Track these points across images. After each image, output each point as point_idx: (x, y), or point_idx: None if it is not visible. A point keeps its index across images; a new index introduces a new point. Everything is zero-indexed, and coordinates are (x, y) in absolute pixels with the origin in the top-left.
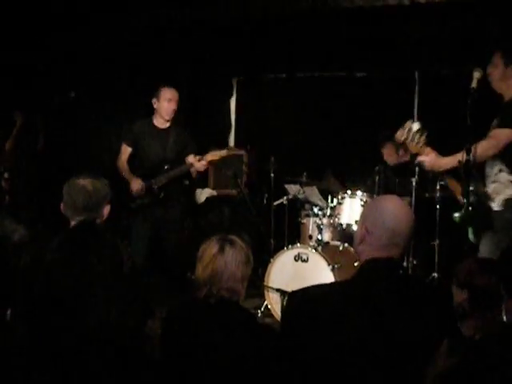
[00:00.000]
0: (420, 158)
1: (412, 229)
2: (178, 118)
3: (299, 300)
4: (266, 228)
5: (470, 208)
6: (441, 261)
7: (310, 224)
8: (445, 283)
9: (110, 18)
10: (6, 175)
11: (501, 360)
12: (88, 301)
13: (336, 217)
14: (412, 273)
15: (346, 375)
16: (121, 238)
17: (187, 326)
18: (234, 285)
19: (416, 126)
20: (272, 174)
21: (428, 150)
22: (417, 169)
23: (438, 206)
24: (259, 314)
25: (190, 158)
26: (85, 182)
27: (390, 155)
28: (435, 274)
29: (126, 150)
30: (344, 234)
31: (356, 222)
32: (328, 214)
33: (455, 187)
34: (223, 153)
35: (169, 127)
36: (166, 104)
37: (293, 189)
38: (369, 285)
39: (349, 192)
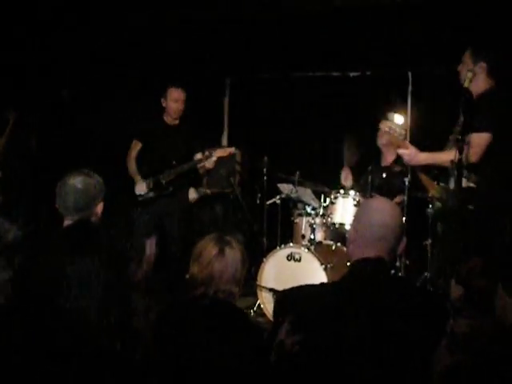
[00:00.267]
0: (400, 151)
1: (400, 226)
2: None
3: (289, 299)
4: (259, 227)
5: (441, 204)
6: (433, 260)
7: (303, 223)
8: (436, 283)
9: (104, 17)
10: None
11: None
12: (80, 300)
13: (329, 216)
14: (402, 273)
15: (336, 374)
16: (124, 233)
17: (180, 327)
18: (231, 286)
19: (400, 119)
20: (265, 174)
21: (408, 144)
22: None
23: (430, 206)
24: (252, 314)
25: (199, 155)
26: (75, 180)
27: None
28: (427, 274)
29: (136, 146)
30: (337, 233)
31: (349, 221)
32: (321, 213)
33: (428, 183)
34: (232, 150)
35: (178, 125)
36: (172, 104)
37: (286, 188)
38: (357, 285)
39: (342, 191)
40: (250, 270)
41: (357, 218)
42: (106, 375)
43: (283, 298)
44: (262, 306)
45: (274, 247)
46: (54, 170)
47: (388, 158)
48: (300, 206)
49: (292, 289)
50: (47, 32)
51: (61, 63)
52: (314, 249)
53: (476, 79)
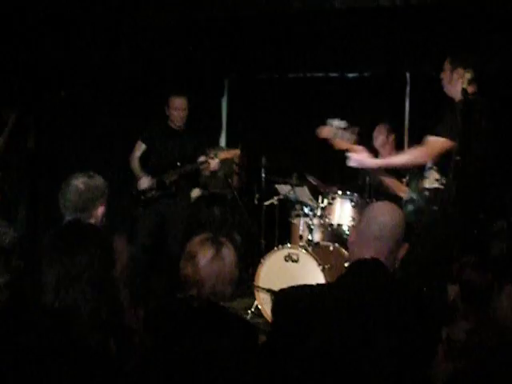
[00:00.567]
0: (350, 155)
1: (401, 226)
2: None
3: (287, 298)
4: (257, 228)
5: (411, 205)
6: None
7: (301, 224)
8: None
9: (103, 17)
10: None
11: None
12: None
13: (327, 217)
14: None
15: (331, 375)
16: (126, 233)
17: (171, 329)
18: (225, 288)
19: (342, 123)
20: (263, 174)
21: (359, 148)
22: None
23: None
24: (249, 315)
25: (203, 157)
26: (78, 181)
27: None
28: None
29: (140, 147)
30: (334, 234)
31: (347, 222)
32: (319, 214)
33: (395, 186)
34: (236, 152)
35: (183, 129)
36: (174, 112)
37: (283, 189)
38: (352, 287)
39: (339, 192)
40: (248, 270)
41: (359, 220)
42: (99, 374)
43: (281, 297)
44: (259, 306)
45: (272, 248)
46: (51, 170)
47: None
48: (298, 206)
49: (290, 288)
50: (46, 32)
51: (59, 64)
52: (312, 250)
53: (454, 85)
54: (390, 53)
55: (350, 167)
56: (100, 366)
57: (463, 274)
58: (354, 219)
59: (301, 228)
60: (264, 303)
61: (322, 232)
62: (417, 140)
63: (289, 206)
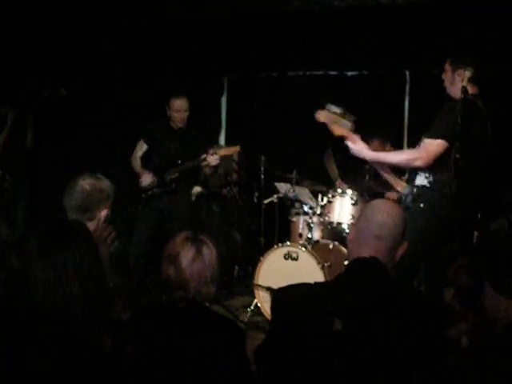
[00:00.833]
0: (348, 143)
1: (401, 225)
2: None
3: (285, 297)
4: (256, 226)
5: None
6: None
7: (300, 222)
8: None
9: (103, 16)
10: None
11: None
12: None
13: (326, 215)
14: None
15: (327, 373)
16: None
17: (156, 332)
18: (209, 287)
19: (338, 109)
20: (262, 173)
21: (355, 136)
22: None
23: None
24: (249, 313)
25: (203, 155)
26: (84, 181)
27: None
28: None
29: (142, 147)
30: (334, 232)
31: (346, 220)
32: (318, 212)
33: (395, 182)
34: (236, 149)
35: (184, 129)
36: (175, 114)
37: (283, 187)
38: (350, 285)
39: (339, 191)
40: (248, 269)
41: (358, 218)
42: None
43: (279, 296)
44: (259, 305)
45: (272, 246)
46: (50, 170)
47: None
48: (297, 204)
49: (288, 287)
50: (46, 30)
51: (59, 62)
52: (312, 248)
53: (456, 86)
54: (389, 51)
55: (349, 166)
56: (94, 361)
57: (458, 277)
58: (353, 217)
59: (300, 226)
60: (263, 301)
61: (322, 230)
62: (416, 138)
63: (288, 205)
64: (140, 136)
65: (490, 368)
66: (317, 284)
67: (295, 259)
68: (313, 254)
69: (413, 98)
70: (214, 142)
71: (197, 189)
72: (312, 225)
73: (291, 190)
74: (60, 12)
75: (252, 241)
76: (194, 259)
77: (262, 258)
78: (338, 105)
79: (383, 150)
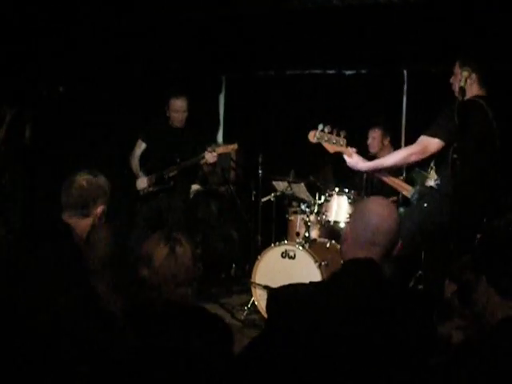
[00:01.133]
0: (345, 158)
1: (395, 229)
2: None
3: (281, 297)
4: (254, 224)
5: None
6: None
7: (298, 221)
8: (430, 282)
9: (102, 15)
10: None
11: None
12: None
13: (323, 214)
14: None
15: (324, 373)
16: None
17: (135, 335)
18: (183, 288)
19: (326, 128)
20: (260, 171)
21: (350, 150)
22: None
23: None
24: (246, 311)
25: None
26: (81, 177)
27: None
28: (421, 272)
29: (141, 146)
30: (331, 231)
31: (344, 219)
32: (315, 211)
33: (400, 186)
34: (234, 146)
35: (183, 128)
36: (174, 114)
37: (280, 186)
38: (346, 287)
39: (336, 189)
40: (245, 267)
41: (353, 218)
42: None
43: (275, 296)
44: (256, 303)
45: (269, 244)
46: (48, 167)
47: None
48: (295, 203)
49: (284, 287)
50: (45, 28)
51: (58, 60)
52: (309, 246)
53: (466, 89)
54: (387, 50)
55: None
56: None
57: (464, 274)
58: (350, 216)
59: (298, 225)
60: (261, 299)
61: (319, 229)
62: (414, 138)
63: (286, 203)
64: (139, 135)
65: (473, 367)
66: (312, 284)
67: (292, 258)
68: (310, 253)
69: (410, 98)
70: (212, 141)
71: (195, 187)
72: (309, 223)
73: (289, 189)
74: (59, 10)
75: (249, 239)
76: (166, 259)
77: (259, 257)
78: (335, 104)
79: (384, 141)
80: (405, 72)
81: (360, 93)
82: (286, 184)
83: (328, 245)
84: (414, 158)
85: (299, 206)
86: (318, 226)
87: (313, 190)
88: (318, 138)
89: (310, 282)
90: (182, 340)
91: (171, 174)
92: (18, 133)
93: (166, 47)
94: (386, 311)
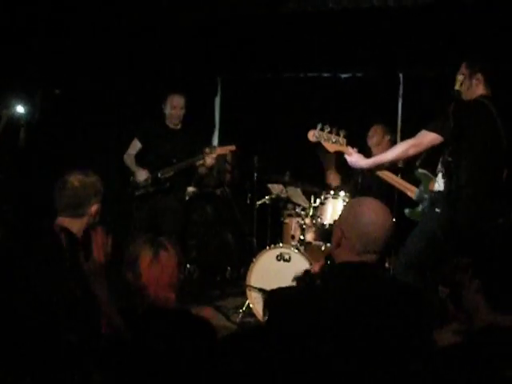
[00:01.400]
0: (346, 157)
1: (391, 234)
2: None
3: (278, 299)
4: (249, 227)
5: (420, 206)
6: None
7: (293, 224)
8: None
9: (97, 17)
10: None
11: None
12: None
13: (319, 217)
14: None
15: (321, 374)
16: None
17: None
18: (167, 293)
19: (325, 127)
20: (255, 174)
21: (350, 149)
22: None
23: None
24: (241, 314)
25: (199, 155)
26: (74, 178)
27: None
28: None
29: (136, 146)
30: (326, 234)
31: None
32: (311, 214)
33: (404, 186)
34: (232, 147)
35: (180, 128)
36: (171, 111)
37: (276, 188)
38: (343, 289)
39: (332, 192)
40: (240, 270)
41: (345, 221)
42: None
43: (272, 297)
44: (251, 306)
45: (264, 247)
46: (42, 167)
47: None
48: (290, 206)
49: (281, 288)
50: (41, 29)
51: (53, 61)
52: (304, 249)
53: (472, 90)
54: (383, 53)
55: (342, 168)
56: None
57: (455, 276)
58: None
59: (293, 227)
60: (256, 302)
61: (314, 232)
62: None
63: (281, 206)
64: (134, 135)
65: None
66: (309, 286)
67: (287, 260)
68: (305, 256)
69: (406, 101)
70: (207, 143)
71: (190, 189)
72: (304, 226)
73: (284, 192)
74: (55, 10)
75: (244, 242)
76: (150, 263)
77: (254, 259)
78: (330, 107)
79: (384, 138)
80: (400, 75)
81: (356, 96)
82: (281, 187)
83: (323, 248)
84: (412, 151)
85: (294, 209)
86: (313, 228)
87: (308, 192)
88: (317, 137)
89: (307, 285)
90: (165, 342)
91: (167, 175)
92: (13, 135)
93: (162, 49)
94: (383, 312)
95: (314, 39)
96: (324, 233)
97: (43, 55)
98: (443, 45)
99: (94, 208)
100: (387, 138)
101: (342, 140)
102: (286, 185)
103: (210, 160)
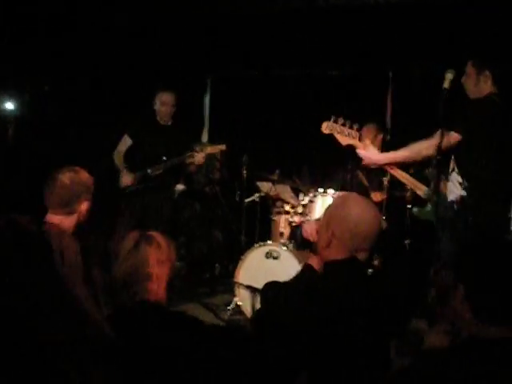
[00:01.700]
0: (358, 151)
1: (379, 231)
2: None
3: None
4: (238, 225)
5: (429, 206)
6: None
7: (282, 221)
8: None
9: (87, 15)
10: None
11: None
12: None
13: (307, 214)
14: (377, 271)
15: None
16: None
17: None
18: (150, 282)
19: (342, 119)
20: (244, 171)
21: (367, 143)
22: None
23: (408, 206)
24: (229, 311)
25: (189, 153)
26: (64, 175)
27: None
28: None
29: (126, 142)
30: None
31: None
32: (300, 211)
33: (413, 184)
34: (222, 147)
35: (170, 125)
36: (161, 108)
37: (265, 186)
38: (333, 287)
39: (320, 190)
40: (228, 267)
41: (335, 221)
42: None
43: (268, 290)
44: (239, 303)
45: (253, 245)
46: (31, 164)
47: None
48: (279, 203)
49: (275, 283)
50: (30, 26)
51: (43, 58)
52: (293, 247)
53: (480, 88)
54: (372, 51)
55: (331, 165)
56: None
57: (438, 277)
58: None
59: (282, 225)
60: (244, 300)
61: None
62: (399, 138)
63: (270, 203)
64: (126, 130)
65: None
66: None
67: (276, 258)
68: (294, 253)
69: (395, 98)
70: (197, 140)
71: (179, 187)
72: (293, 224)
73: (273, 189)
74: (42, 7)
75: (233, 239)
76: (129, 252)
77: (242, 257)
78: (320, 104)
79: (377, 137)
80: (390, 73)
81: (345, 93)
82: (270, 184)
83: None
84: (431, 151)
85: (283, 207)
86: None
87: (297, 190)
88: (330, 129)
89: (297, 282)
90: (144, 337)
91: (156, 173)
92: (1, 132)
93: (152, 47)
94: (372, 308)
95: (303, 37)
96: None
97: (32, 51)
98: (432, 42)
99: (84, 206)
100: (380, 136)
101: (354, 133)
102: (274, 182)
103: (199, 159)
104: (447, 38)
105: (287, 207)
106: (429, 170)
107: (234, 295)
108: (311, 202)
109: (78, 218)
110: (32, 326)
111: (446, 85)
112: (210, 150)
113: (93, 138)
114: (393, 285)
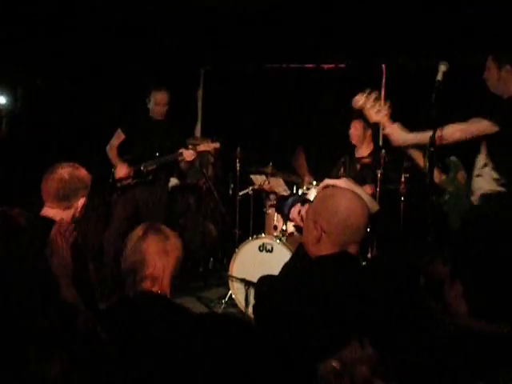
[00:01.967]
0: (386, 131)
1: (368, 218)
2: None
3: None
4: (231, 218)
5: (448, 197)
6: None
7: (275, 214)
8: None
9: (78, 9)
10: None
11: None
12: None
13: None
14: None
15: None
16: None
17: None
18: (154, 272)
19: (375, 94)
20: (238, 165)
21: (393, 123)
22: (382, 160)
23: (402, 198)
24: (223, 305)
25: (182, 149)
26: (63, 170)
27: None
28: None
29: (120, 137)
30: None
31: None
32: None
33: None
34: (216, 145)
35: (163, 121)
36: (155, 107)
37: (258, 179)
38: (326, 281)
39: (314, 183)
40: (222, 260)
41: (323, 216)
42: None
43: (262, 285)
44: (233, 296)
45: (246, 238)
46: (24, 158)
47: (363, 151)
48: (272, 197)
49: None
50: (22, 20)
51: (35, 52)
52: (286, 240)
53: (504, 82)
54: (366, 44)
55: (325, 158)
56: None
57: (429, 267)
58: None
59: (275, 218)
60: (238, 293)
61: None
62: None
63: (263, 197)
64: (120, 125)
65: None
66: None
67: (270, 251)
68: (287, 246)
69: (388, 91)
70: (190, 135)
71: (173, 181)
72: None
73: (266, 182)
74: (34, 3)
75: (227, 233)
76: (137, 241)
77: (236, 250)
78: (313, 97)
79: (365, 133)
80: (383, 66)
81: (338, 86)
82: (263, 178)
83: None
84: (457, 136)
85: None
86: None
87: (290, 183)
88: (363, 104)
89: (292, 276)
90: (145, 327)
91: (149, 168)
92: None
93: (144, 41)
94: (362, 302)
95: (297, 30)
96: None
97: (25, 45)
98: (425, 35)
99: (80, 202)
100: (368, 132)
101: (385, 110)
102: (268, 175)
103: (190, 156)
104: (440, 31)
105: None
106: (450, 158)
107: (228, 288)
108: (305, 194)
109: (74, 213)
110: (18, 314)
111: (439, 77)
112: (202, 147)
113: (86, 131)
114: (389, 276)
